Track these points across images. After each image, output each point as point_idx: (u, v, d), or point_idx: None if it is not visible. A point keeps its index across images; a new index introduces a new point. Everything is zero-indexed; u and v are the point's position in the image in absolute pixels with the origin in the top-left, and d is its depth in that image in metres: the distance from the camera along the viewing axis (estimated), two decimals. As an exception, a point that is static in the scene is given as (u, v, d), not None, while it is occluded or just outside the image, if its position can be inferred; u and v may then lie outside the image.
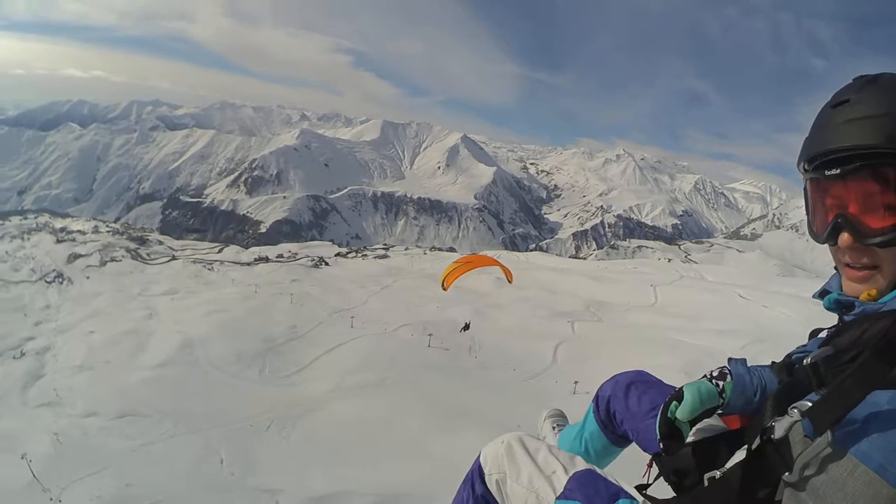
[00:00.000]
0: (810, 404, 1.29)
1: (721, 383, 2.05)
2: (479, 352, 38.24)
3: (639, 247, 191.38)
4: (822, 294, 1.81)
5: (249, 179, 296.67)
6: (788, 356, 2.06)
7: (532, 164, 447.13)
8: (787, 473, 1.31)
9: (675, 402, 2.00)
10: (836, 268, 1.75)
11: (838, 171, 1.50)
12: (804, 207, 1.79)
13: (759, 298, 52.11)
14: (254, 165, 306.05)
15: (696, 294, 56.20)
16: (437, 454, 23.26)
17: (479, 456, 2.63)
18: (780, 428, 1.34)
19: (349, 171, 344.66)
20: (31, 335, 48.38)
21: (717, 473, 1.62)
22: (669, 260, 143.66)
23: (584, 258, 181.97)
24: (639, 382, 2.82)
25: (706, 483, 1.71)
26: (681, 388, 2.05)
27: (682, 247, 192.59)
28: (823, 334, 1.85)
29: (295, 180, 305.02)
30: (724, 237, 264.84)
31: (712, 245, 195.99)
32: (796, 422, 1.31)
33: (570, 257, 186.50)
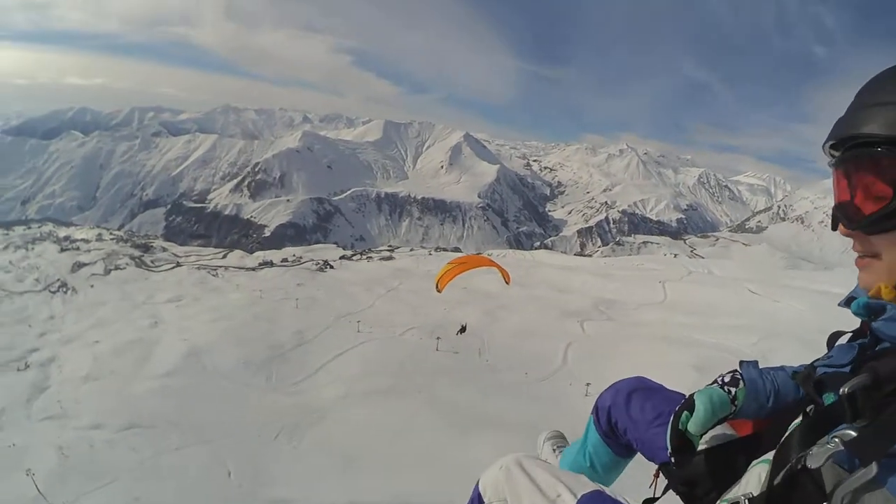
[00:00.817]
0: (854, 434, 1.24)
1: (733, 390, 1.98)
2: (489, 354, 37.73)
3: (644, 242, 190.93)
4: (848, 301, 1.66)
5: (253, 183, 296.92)
6: (812, 367, 1.81)
7: (535, 161, 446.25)
8: None
9: (685, 413, 1.91)
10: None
11: (832, 158, 1.51)
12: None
13: (769, 293, 51.53)
14: (257, 169, 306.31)
15: (706, 290, 55.57)
16: (452, 461, 22.71)
17: (477, 484, 2.55)
18: (817, 457, 1.28)
19: (352, 173, 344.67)
20: (36, 346, 48.15)
21: (742, 498, 1.53)
22: (675, 255, 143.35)
23: (590, 255, 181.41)
24: (640, 389, 2.74)
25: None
26: (691, 397, 1.96)
27: (687, 241, 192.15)
28: (844, 339, 1.75)
29: (298, 183, 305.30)
30: (730, 231, 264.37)
31: (718, 239, 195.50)
32: (835, 452, 1.24)
33: (575, 254, 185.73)
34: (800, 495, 1.33)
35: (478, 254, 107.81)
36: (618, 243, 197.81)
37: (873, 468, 1.12)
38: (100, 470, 28.63)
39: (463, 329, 27.27)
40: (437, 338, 39.24)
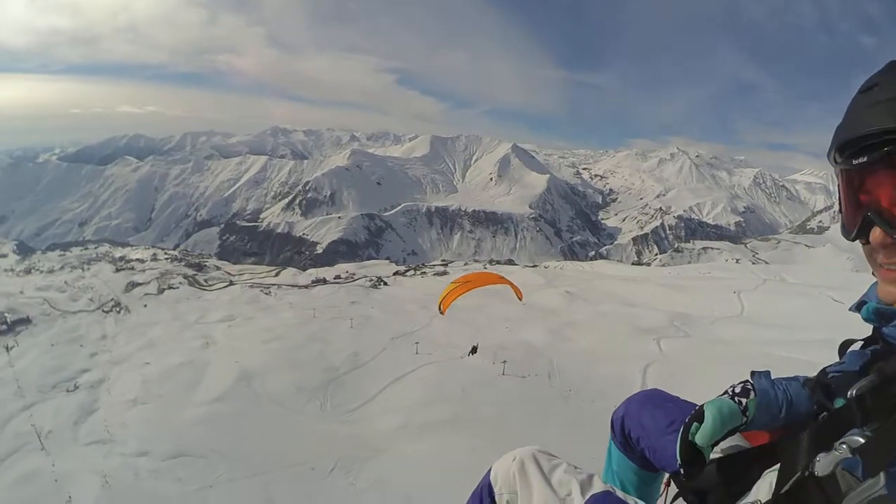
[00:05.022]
0: (862, 440, 1.25)
1: (744, 400, 1.97)
2: (560, 379, 34.63)
3: (704, 248, 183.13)
4: (859, 306, 1.71)
5: (304, 201, 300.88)
6: (823, 373, 1.94)
7: (585, 168, 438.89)
8: None
9: (695, 424, 1.90)
10: (874, 273, 1.62)
11: (865, 158, 1.40)
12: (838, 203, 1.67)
13: (852, 300, 46.44)
14: (307, 187, 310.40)
15: (784, 300, 51.11)
16: None
17: (488, 472, 2.53)
18: (825, 464, 1.29)
19: (402, 188, 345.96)
20: (87, 367, 47.66)
21: None
22: (738, 261, 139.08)
23: (648, 263, 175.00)
24: (653, 398, 2.73)
25: None
26: (701, 408, 1.95)
27: (748, 245, 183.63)
28: (857, 346, 1.78)
29: (349, 200, 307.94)
30: (790, 232, 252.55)
31: (779, 242, 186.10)
32: (844, 458, 1.26)
33: (632, 263, 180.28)
34: (807, 503, 1.32)
35: (533, 266, 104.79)
36: (676, 250, 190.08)
37: (881, 479, 1.14)
38: (143, 502, 27.42)
39: (474, 350, 25.05)
40: (504, 361, 36.33)
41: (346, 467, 28.07)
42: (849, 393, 1.38)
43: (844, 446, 1.21)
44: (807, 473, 1.30)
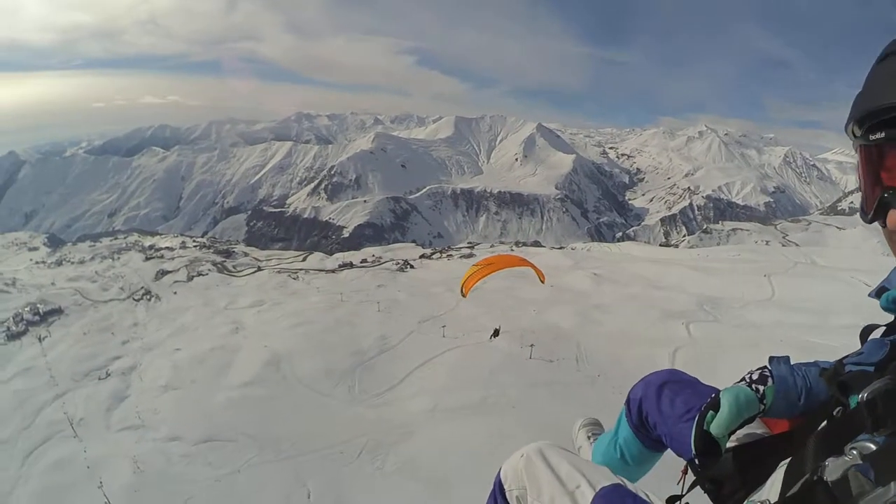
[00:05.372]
0: (874, 447, 1.20)
1: (762, 388, 1.94)
2: (588, 363, 34.32)
3: (733, 230, 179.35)
4: (878, 292, 1.67)
5: (329, 186, 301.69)
6: (840, 364, 1.83)
7: (611, 148, 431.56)
8: None
9: (711, 413, 1.87)
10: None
11: (883, 134, 1.31)
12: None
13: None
14: (332, 172, 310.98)
15: (817, 284, 49.71)
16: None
17: (499, 472, 2.54)
18: (835, 469, 1.24)
19: (426, 171, 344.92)
20: (118, 354, 48.62)
21: None
22: (767, 242, 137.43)
23: (676, 245, 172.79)
24: (671, 382, 2.67)
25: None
26: (717, 395, 1.92)
27: (778, 227, 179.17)
28: (878, 333, 1.73)
29: (374, 183, 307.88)
30: (821, 213, 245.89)
31: (810, 223, 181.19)
32: (854, 465, 1.21)
33: (660, 245, 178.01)
34: None
35: (560, 247, 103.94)
36: (705, 231, 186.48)
37: (891, 490, 1.06)
38: (174, 487, 27.91)
39: (496, 333, 25.02)
40: (531, 345, 36.09)
41: (373, 451, 28.26)
42: (860, 396, 1.34)
43: (855, 452, 1.18)
44: (816, 478, 1.25)
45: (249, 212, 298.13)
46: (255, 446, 30.07)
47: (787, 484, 1.41)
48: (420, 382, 34.79)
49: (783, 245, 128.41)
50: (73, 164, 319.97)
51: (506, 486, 2.42)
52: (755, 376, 1.97)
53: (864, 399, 1.31)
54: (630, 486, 2.17)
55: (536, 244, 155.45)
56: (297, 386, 36.76)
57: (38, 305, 64.48)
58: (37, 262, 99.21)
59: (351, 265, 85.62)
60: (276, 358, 40.51)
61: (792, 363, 2.13)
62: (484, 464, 23.77)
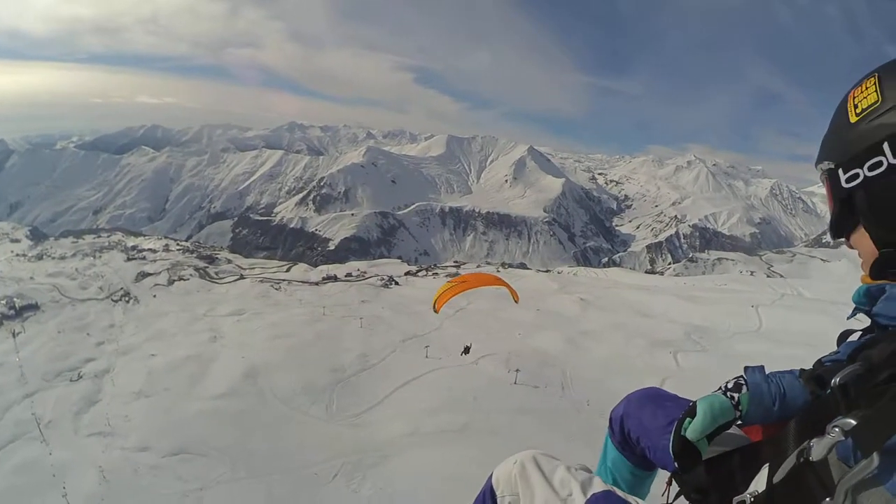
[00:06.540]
0: (854, 422, 1.24)
1: (736, 395, 1.99)
2: (574, 390, 33.68)
3: (718, 259, 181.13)
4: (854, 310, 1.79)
5: (318, 197, 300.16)
6: (819, 363, 1.94)
7: (601, 174, 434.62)
8: (827, 499, 1.25)
9: (688, 420, 1.92)
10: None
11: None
12: None
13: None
14: (322, 183, 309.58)
15: (803, 316, 49.77)
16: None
17: (490, 477, 2.54)
18: (820, 448, 1.29)
19: (416, 187, 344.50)
20: (92, 356, 47.40)
21: (748, 497, 1.60)
22: (752, 273, 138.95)
23: (661, 272, 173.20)
24: (653, 397, 2.70)
25: None
26: (694, 403, 1.98)
27: (763, 257, 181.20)
28: (855, 337, 1.80)
29: (363, 197, 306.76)
30: (805, 245, 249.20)
31: (794, 255, 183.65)
32: (837, 442, 1.26)
33: (645, 271, 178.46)
34: (804, 490, 1.33)
35: (546, 270, 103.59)
36: (690, 259, 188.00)
37: (874, 461, 1.13)
38: (140, 498, 26.90)
39: (467, 350, 24.21)
40: (516, 370, 35.32)
41: (349, 473, 27.47)
42: (832, 381, 1.41)
43: (837, 429, 1.22)
44: (801, 460, 1.32)
45: (236, 218, 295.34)
46: (227, 462, 29.10)
47: (771, 469, 1.49)
48: (400, 404, 33.96)
49: (768, 276, 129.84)
50: (62, 157, 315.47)
51: (497, 493, 2.42)
52: (730, 384, 2.01)
53: (837, 384, 1.40)
54: (620, 493, 2.19)
55: (522, 266, 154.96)
56: (274, 401, 35.80)
57: (15, 299, 62.95)
58: (17, 255, 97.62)
59: (335, 278, 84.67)
60: (254, 370, 39.54)
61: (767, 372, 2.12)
62: (462, 492, 22.89)
